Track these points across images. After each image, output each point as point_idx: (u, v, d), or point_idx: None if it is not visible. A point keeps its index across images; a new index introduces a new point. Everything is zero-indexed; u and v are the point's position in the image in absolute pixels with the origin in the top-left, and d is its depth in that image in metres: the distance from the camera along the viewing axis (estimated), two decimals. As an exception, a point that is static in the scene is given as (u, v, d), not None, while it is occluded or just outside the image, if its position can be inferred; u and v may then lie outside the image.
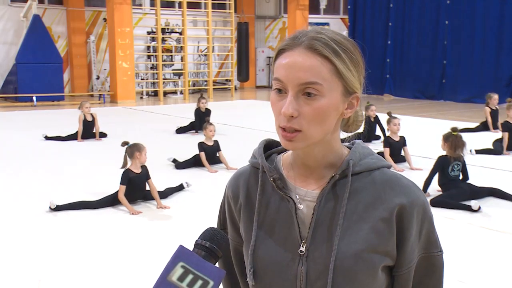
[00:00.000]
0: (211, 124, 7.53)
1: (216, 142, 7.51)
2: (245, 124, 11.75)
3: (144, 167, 5.77)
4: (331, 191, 1.15)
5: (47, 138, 9.78)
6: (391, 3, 18.82)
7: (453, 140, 5.77)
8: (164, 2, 19.28)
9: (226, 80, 22.11)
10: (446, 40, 17.34)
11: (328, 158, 1.17)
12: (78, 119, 9.72)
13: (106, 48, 19.29)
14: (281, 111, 1.09)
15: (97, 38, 19.86)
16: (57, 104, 16.60)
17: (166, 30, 19.39)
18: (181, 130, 10.63)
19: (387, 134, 7.66)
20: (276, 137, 1.29)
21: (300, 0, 20.87)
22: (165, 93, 19.09)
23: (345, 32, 19.50)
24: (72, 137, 9.72)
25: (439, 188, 5.94)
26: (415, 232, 1.15)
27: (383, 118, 8.10)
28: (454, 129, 5.89)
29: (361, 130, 1.27)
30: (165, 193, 6.05)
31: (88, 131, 9.80)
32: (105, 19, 18.92)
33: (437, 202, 5.56)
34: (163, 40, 18.82)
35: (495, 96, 10.54)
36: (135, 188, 5.71)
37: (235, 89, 21.19)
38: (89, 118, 9.81)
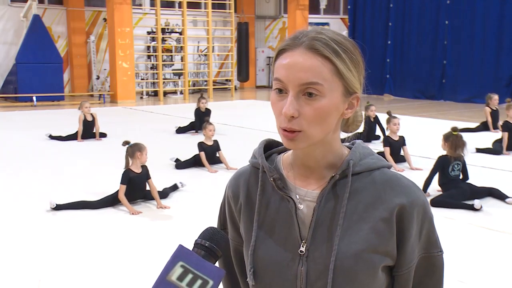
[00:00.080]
0: (210, 124, 7.53)
1: (216, 142, 7.51)
2: (245, 124, 11.75)
3: (144, 167, 5.77)
4: (331, 191, 1.15)
5: (51, 137, 9.78)
6: (391, 3, 18.82)
7: (453, 140, 5.77)
8: (164, 2, 19.28)
9: (226, 80, 22.11)
10: (446, 40, 17.34)
11: (328, 158, 1.17)
12: (78, 119, 9.72)
13: (106, 48, 19.29)
14: (281, 112, 1.09)
15: (97, 38, 19.86)
16: (57, 104, 16.60)
17: (166, 30, 19.39)
18: (181, 130, 10.63)
19: (387, 133, 7.66)
20: (276, 137, 1.29)
21: (300, 0, 20.87)
22: (165, 93, 19.10)
23: (345, 32, 19.50)
24: (72, 137, 9.72)
25: (439, 188, 5.94)
26: (415, 232, 1.15)
27: (383, 118, 8.10)
28: (454, 129, 5.89)
29: (360, 130, 1.28)
30: (165, 193, 6.05)
31: (88, 131, 9.80)
32: (105, 19, 18.93)
33: (437, 202, 5.56)
34: (163, 40, 18.82)
35: (495, 97, 10.54)
36: (135, 187, 5.71)
37: (235, 89, 21.19)
38: (89, 118, 9.81)
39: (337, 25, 21.92)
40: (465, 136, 6.16)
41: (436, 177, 5.90)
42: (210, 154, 7.43)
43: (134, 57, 17.40)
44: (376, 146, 8.30)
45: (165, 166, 7.52)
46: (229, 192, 1.28)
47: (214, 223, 1.32)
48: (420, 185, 5.62)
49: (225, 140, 8.57)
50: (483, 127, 10.47)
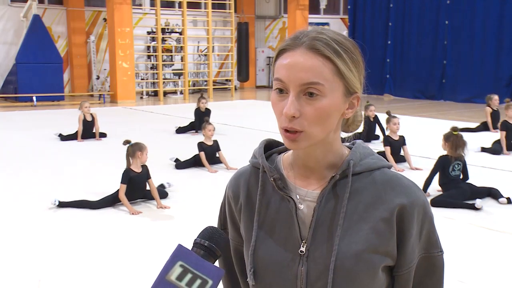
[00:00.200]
0: (210, 123, 7.53)
1: (215, 142, 7.51)
2: (245, 124, 11.75)
3: (144, 167, 5.78)
4: (332, 191, 1.15)
5: (61, 137, 9.76)
6: (391, 3, 18.82)
7: (454, 139, 5.77)
8: (164, 2, 19.28)
9: (226, 80, 22.11)
10: (446, 40, 17.34)
11: (329, 158, 1.17)
12: (78, 119, 9.72)
13: (106, 48, 19.29)
14: (282, 112, 1.09)
15: (97, 38, 19.86)
16: (57, 104, 16.59)
17: (166, 30, 19.39)
18: (181, 130, 10.63)
19: (387, 133, 7.66)
20: (276, 137, 1.29)
21: (300, 0, 20.87)
22: (165, 93, 19.09)
23: (345, 32, 19.50)
24: (72, 137, 9.72)
25: (439, 188, 5.94)
26: (415, 232, 1.15)
27: (383, 118, 8.10)
28: (454, 129, 5.88)
29: (360, 130, 1.27)
30: (165, 193, 6.06)
31: (88, 131, 9.80)
32: (105, 19, 18.93)
33: (438, 202, 5.56)
34: (163, 40, 18.82)
35: (496, 97, 10.54)
36: (135, 187, 5.71)
37: (235, 89, 21.19)
38: (89, 118, 9.81)
39: (337, 25, 21.91)
40: (465, 136, 6.16)
41: (436, 177, 5.90)
42: (210, 154, 7.43)
43: (134, 57, 17.40)
44: (376, 146, 8.30)
45: (165, 166, 7.52)
46: (229, 192, 1.28)
47: (214, 223, 1.32)
48: (420, 185, 5.62)
49: (225, 140, 8.57)
50: (483, 127, 10.47)
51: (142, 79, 19.47)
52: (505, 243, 4.64)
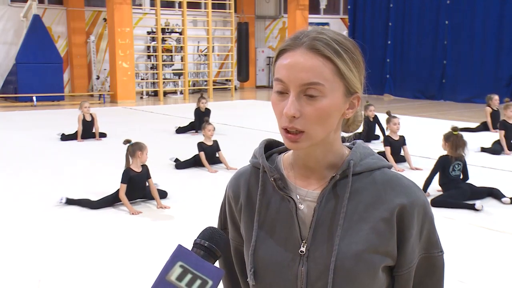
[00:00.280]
0: (209, 124, 7.53)
1: (215, 142, 7.51)
2: (245, 124, 11.75)
3: (144, 166, 5.78)
4: (332, 191, 1.15)
5: (62, 137, 9.76)
6: (391, 3, 18.82)
7: (454, 139, 5.77)
8: (164, 2, 19.28)
9: (226, 80, 22.11)
10: (446, 40, 17.34)
11: (329, 158, 1.17)
12: (78, 119, 9.72)
13: (106, 48, 19.30)
14: (283, 112, 1.09)
15: (97, 38, 19.86)
16: (57, 104, 16.60)
17: (166, 30, 19.39)
18: (181, 130, 10.63)
19: (387, 133, 7.66)
20: (277, 137, 1.28)
21: (300, 0, 20.87)
22: (165, 93, 19.09)
23: (345, 32, 19.50)
24: (72, 137, 9.72)
25: (440, 188, 5.93)
26: (415, 232, 1.15)
27: (383, 118, 8.10)
28: (454, 129, 5.88)
29: (360, 130, 1.27)
30: (165, 193, 6.06)
31: (88, 131, 9.79)
32: (105, 19, 18.93)
33: (438, 202, 5.56)
34: (163, 40, 18.82)
35: (496, 97, 10.55)
36: (135, 187, 5.71)
37: (235, 89, 21.19)
38: (88, 118, 9.80)
39: (337, 25, 21.92)
40: (465, 136, 6.16)
41: (436, 177, 5.90)
42: (210, 154, 7.43)
43: (134, 57, 17.40)
44: (376, 146, 8.30)
45: (165, 166, 7.52)
46: (230, 192, 1.28)
47: (214, 223, 1.32)
48: (420, 185, 5.62)
49: (225, 140, 8.57)
50: (483, 127, 10.48)
51: (142, 79, 19.47)
52: (505, 243, 4.64)
